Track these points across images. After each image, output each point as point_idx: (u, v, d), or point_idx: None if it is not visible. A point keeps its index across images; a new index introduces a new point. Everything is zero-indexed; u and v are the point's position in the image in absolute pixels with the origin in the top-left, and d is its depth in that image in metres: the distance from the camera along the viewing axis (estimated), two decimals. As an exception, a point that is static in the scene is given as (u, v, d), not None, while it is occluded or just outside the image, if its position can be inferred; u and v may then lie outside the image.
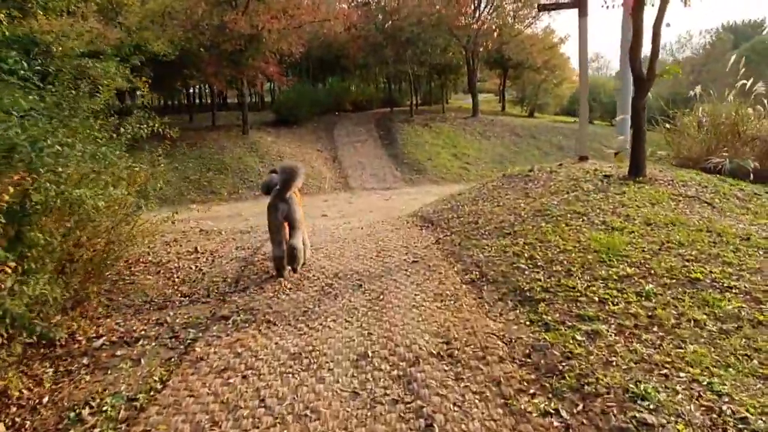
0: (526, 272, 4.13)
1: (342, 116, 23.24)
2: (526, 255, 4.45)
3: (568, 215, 5.25)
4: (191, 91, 27.86)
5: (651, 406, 2.40)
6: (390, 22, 21.00)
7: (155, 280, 4.82)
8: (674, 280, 3.60)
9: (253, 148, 16.64)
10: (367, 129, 20.83)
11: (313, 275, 4.73)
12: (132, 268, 5.07)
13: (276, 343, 3.35)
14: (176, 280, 4.84)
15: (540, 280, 3.93)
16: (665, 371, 2.67)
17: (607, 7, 7.99)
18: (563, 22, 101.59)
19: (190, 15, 15.25)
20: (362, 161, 17.35)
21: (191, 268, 5.23)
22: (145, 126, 4.51)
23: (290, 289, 4.42)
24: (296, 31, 16.63)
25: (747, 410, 2.33)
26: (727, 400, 2.42)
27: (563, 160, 9.11)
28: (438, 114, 23.68)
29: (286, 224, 4.58)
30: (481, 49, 22.40)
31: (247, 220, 11.72)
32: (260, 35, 15.38)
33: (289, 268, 4.66)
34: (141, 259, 5.37)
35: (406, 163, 17.35)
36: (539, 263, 4.23)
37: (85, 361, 3.26)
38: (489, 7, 22.50)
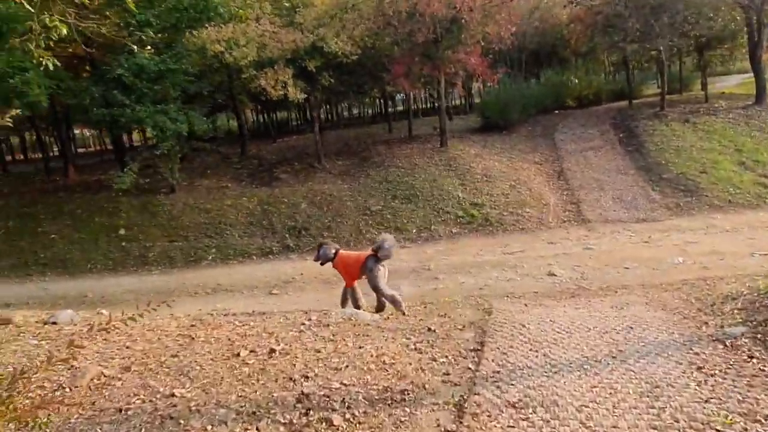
0: None
1: (564, 115, 18.53)
2: None
3: None
4: (401, 96, 26.01)
5: None
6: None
7: None
8: None
9: (451, 165, 13.26)
10: (601, 131, 15.74)
11: None
12: None
13: None
14: None
15: None
16: None
17: None
18: None
19: (378, 5, 12.39)
20: (599, 178, 12.54)
21: None
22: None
23: None
24: (506, 7, 12.56)
25: None
26: None
27: None
28: (700, 104, 17.20)
29: None
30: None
31: (437, 278, 8.12)
32: (459, 17, 11.77)
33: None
34: None
35: (666, 180, 11.99)
36: None
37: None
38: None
